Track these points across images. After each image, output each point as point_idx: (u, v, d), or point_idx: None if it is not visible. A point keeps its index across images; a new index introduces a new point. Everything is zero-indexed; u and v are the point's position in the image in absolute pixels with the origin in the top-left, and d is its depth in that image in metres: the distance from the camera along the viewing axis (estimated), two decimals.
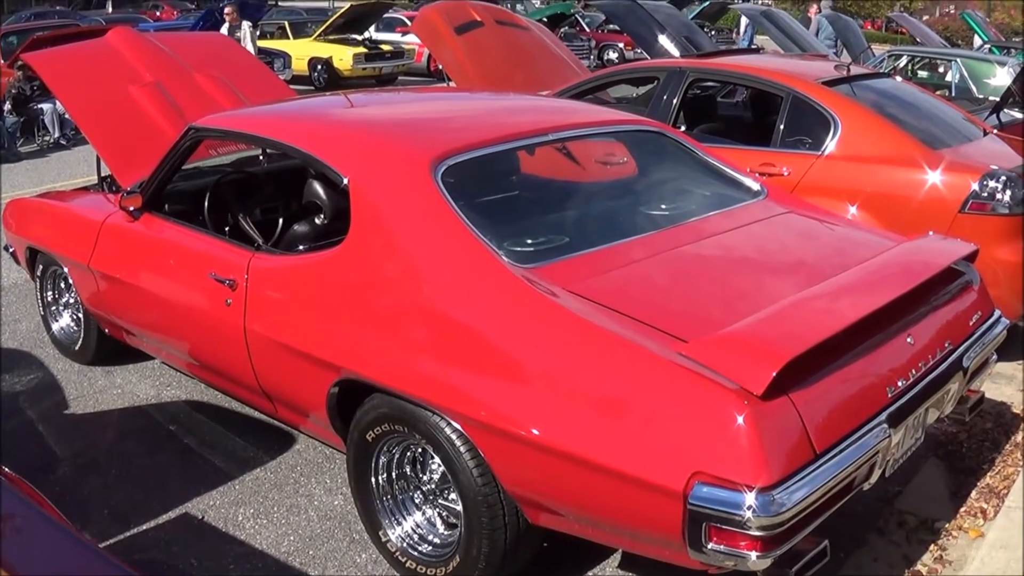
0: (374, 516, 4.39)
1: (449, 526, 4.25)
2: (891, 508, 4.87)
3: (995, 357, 4.62)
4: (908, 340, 3.87)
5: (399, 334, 3.99)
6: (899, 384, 3.73)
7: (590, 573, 4.42)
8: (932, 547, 4.55)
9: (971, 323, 4.33)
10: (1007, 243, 6.21)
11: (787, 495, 3.18)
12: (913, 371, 3.82)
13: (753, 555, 3.23)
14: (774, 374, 3.18)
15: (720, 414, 3.23)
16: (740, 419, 3.18)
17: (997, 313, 4.58)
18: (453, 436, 3.82)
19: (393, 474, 4.33)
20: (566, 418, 3.49)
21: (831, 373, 3.52)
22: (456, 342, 3.80)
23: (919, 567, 4.40)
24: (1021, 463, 5.12)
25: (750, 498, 3.13)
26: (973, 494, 4.94)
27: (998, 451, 5.34)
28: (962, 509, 4.83)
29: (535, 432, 3.53)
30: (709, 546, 3.26)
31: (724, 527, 3.19)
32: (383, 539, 4.36)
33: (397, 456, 4.29)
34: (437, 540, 4.26)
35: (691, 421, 3.29)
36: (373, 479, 4.34)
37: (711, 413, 3.26)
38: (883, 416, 3.62)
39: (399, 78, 27.17)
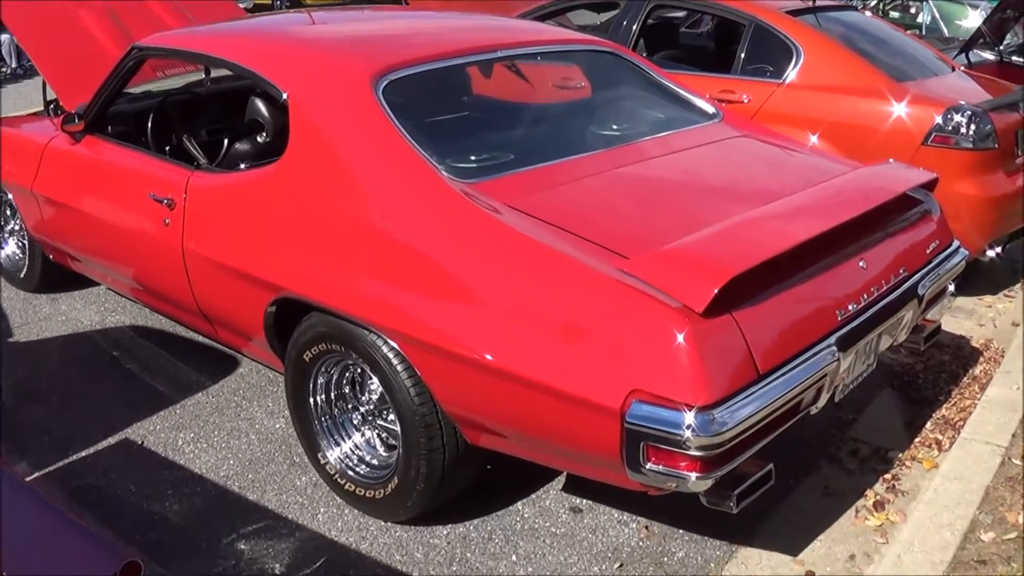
0: (312, 438, 4.23)
1: (388, 447, 4.09)
2: (844, 436, 4.73)
3: (952, 288, 4.46)
4: (861, 264, 3.70)
5: (335, 251, 3.79)
6: (850, 308, 3.56)
7: (532, 497, 4.28)
8: (885, 476, 4.41)
9: (928, 252, 4.16)
10: (969, 177, 6.04)
11: (728, 415, 3.02)
12: (865, 296, 3.65)
13: (693, 476, 3.07)
14: (715, 291, 3.01)
15: (660, 331, 3.05)
16: (680, 337, 3.00)
17: (956, 244, 4.41)
18: (390, 355, 3.64)
19: (332, 395, 4.16)
20: (503, 335, 3.32)
21: (778, 294, 3.34)
22: (393, 259, 3.60)
23: (870, 495, 4.25)
24: (978, 395, 4.97)
25: (689, 417, 2.96)
26: (928, 425, 4.80)
27: (955, 383, 5.19)
28: (916, 440, 4.69)
29: (471, 349, 3.36)
30: (648, 466, 3.10)
31: (663, 447, 3.03)
32: (322, 461, 4.20)
33: (336, 377, 4.12)
34: (376, 462, 4.10)
35: (630, 339, 3.12)
36: (311, 400, 4.18)
37: (650, 330, 3.08)
38: (832, 339, 3.45)
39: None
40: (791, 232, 3.42)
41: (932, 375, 5.30)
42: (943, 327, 5.64)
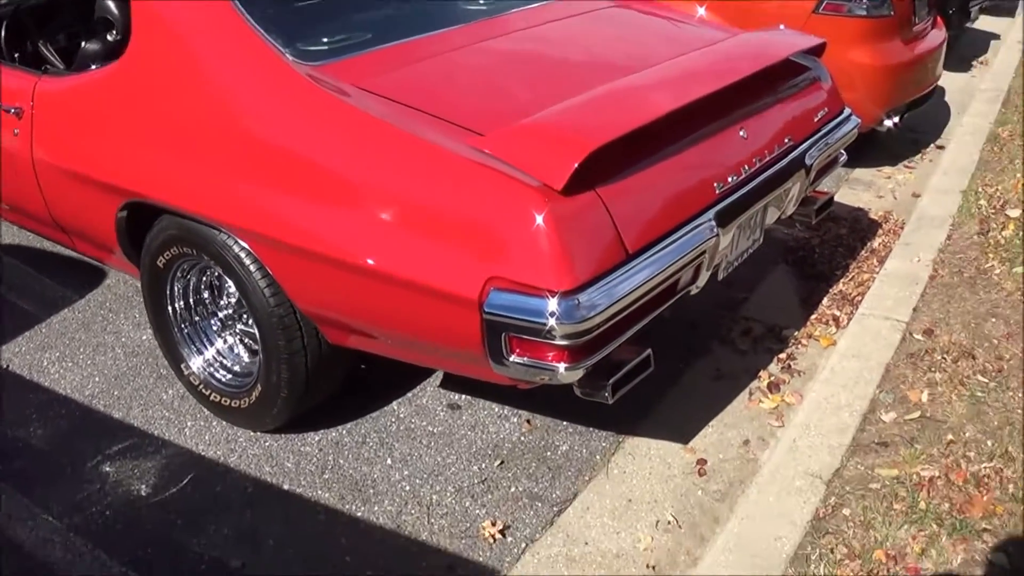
0: (175, 348, 3.96)
1: (252, 353, 3.84)
2: (736, 315, 4.55)
3: (844, 157, 4.24)
4: (741, 134, 3.46)
5: (179, 148, 3.46)
6: (730, 180, 3.32)
7: (408, 396, 4.07)
8: (779, 356, 4.24)
9: (816, 120, 3.93)
10: (863, 46, 5.84)
11: (594, 299, 2.77)
12: (746, 167, 3.42)
13: (561, 367, 2.84)
14: (575, 166, 2.75)
15: (516, 213, 2.79)
16: (539, 218, 2.74)
17: (847, 111, 4.18)
18: (241, 255, 3.37)
19: (190, 301, 3.88)
20: (351, 226, 3.04)
21: (648, 168, 3.10)
22: (238, 152, 3.28)
23: (764, 377, 4.07)
24: (877, 269, 4.79)
25: (551, 303, 2.72)
26: (825, 301, 4.62)
27: (853, 257, 5.01)
28: (813, 316, 4.51)
29: (319, 243, 3.08)
30: (512, 359, 2.87)
31: (526, 337, 2.79)
32: (185, 372, 3.94)
33: (193, 282, 3.84)
34: (239, 368, 3.85)
35: (485, 222, 2.85)
36: (170, 307, 3.90)
37: (507, 212, 2.82)
38: (710, 214, 3.22)
39: None
40: (661, 101, 3.16)
41: (828, 249, 5.13)
42: (840, 200, 5.48)
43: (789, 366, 4.13)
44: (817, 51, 4.09)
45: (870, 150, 6.33)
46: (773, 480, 3.36)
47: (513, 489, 3.53)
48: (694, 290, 3.31)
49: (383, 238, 2.97)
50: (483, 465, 3.65)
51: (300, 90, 3.24)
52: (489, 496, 3.50)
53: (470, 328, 2.88)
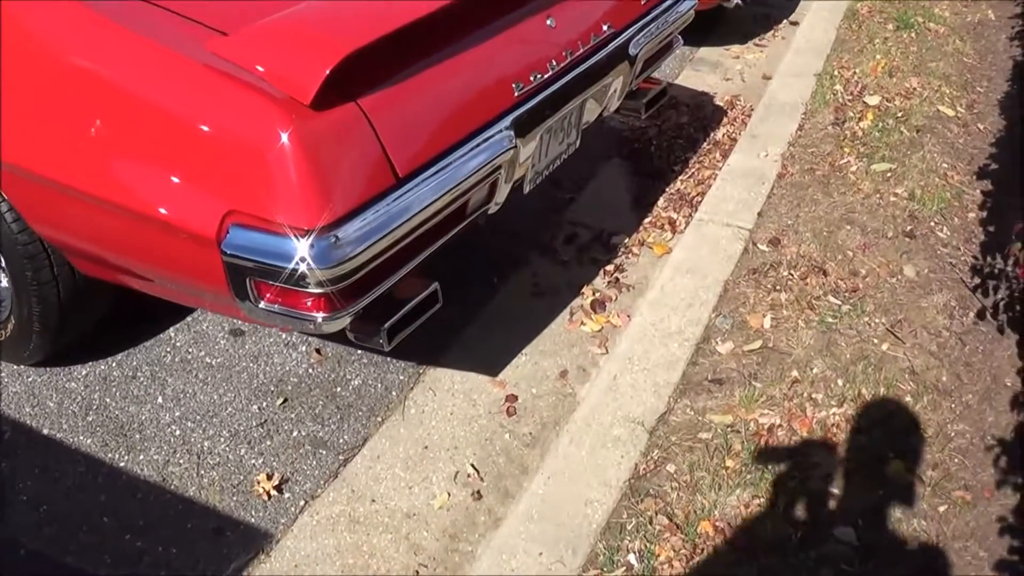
0: None
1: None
2: (560, 219, 4.07)
3: (680, 41, 3.73)
4: (548, 23, 2.93)
5: None
6: (532, 79, 2.80)
7: (187, 321, 3.53)
8: (606, 268, 3.77)
9: (644, 2, 3.39)
10: None
11: (354, 236, 2.27)
12: (554, 62, 2.90)
13: (319, 317, 2.36)
14: (326, 73, 2.19)
15: (256, 133, 2.25)
16: (283, 137, 2.20)
17: None
18: None
19: None
20: (76, 144, 2.49)
21: (425, 72, 2.55)
22: None
23: (588, 293, 3.61)
24: (720, 164, 4.33)
25: (301, 245, 2.21)
26: (661, 201, 4.16)
27: (693, 150, 4.53)
28: (647, 220, 4.05)
29: (45, 166, 2.56)
30: (262, 306, 2.38)
31: (274, 283, 2.29)
32: None
33: None
34: None
35: (222, 144, 2.30)
36: None
37: (245, 132, 2.27)
38: (506, 121, 2.70)
39: None
40: None
41: (667, 141, 4.63)
42: (682, 83, 4.99)
43: (617, 280, 3.68)
44: None
45: (716, 27, 5.82)
46: (587, 427, 2.93)
47: (296, 433, 3.06)
48: (493, 208, 2.82)
49: (110, 161, 2.43)
50: (264, 404, 3.16)
51: None
52: (268, 442, 3.02)
53: (213, 269, 2.38)
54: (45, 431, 3.07)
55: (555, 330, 3.46)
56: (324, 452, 2.99)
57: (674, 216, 4.00)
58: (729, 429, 2.91)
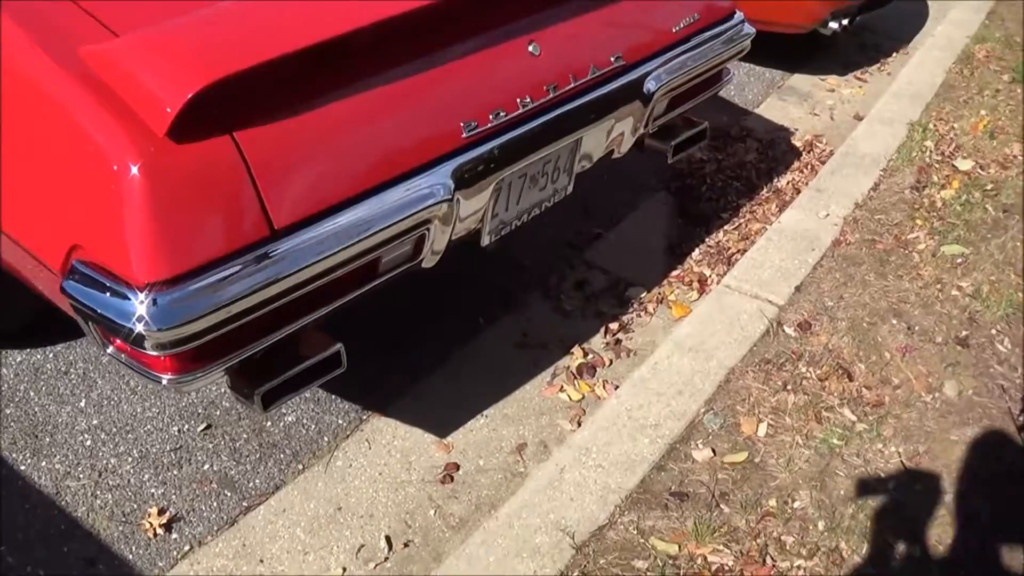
0: None
1: None
2: (576, 258, 3.61)
3: (731, 75, 3.24)
4: (530, 50, 2.47)
5: None
6: (491, 119, 2.35)
7: None
8: (610, 325, 3.31)
9: (675, 29, 2.90)
10: None
11: (205, 294, 1.90)
12: (528, 99, 2.44)
13: (165, 377, 2.01)
14: (187, 99, 1.80)
15: (104, 161, 1.88)
16: (130, 171, 1.83)
17: (737, 17, 3.13)
18: None
19: None
20: None
21: (335, 103, 2.13)
22: None
23: (578, 354, 3.18)
24: (773, 218, 3.79)
25: (135, 302, 1.85)
26: (696, 253, 3.66)
27: (749, 197, 4.00)
28: (674, 273, 3.57)
29: None
30: (110, 351, 2.05)
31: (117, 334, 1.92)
32: None
33: None
34: None
35: (74, 169, 1.96)
36: None
37: (94, 159, 1.91)
38: (443, 169, 2.26)
39: None
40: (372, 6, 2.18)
41: (723, 180, 4.10)
42: (763, 113, 4.45)
43: (618, 341, 3.23)
44: None
45: (815, 53, 5.21)
46: (508, 528, 2.52)
47: (207, 467, 2.74)
48: (428, 262, 2.40)
49: None
50: (185, 427, 2.85)
51: None
52: (175, 471, 2.72)
53: (63, 302, 2.05)
54: None
55: (529, 392, 3.04)
56: (229, 494, 2.66)
57: (706, 273, 3.51)
58: (670, 562, 2.46)
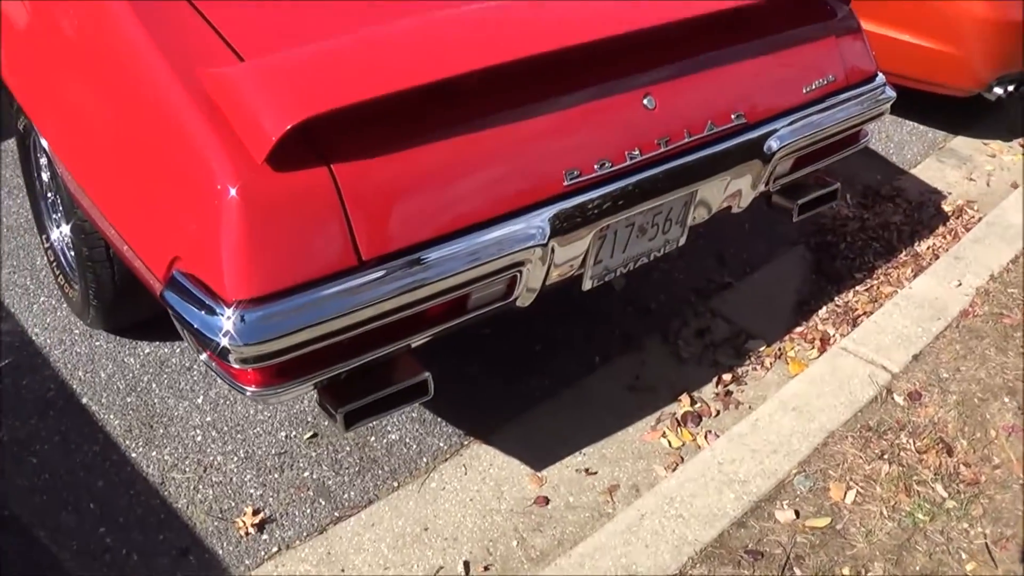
0: (39, 217, 3.44)
1: None
2: (702, 305, 3.60)
3: (869, 137, 3.18)
4: (644, 103, 2.49)
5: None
6: (596, 168, 2.38)
7: None
8: (723, 376, 3.30)
9: (807, 90, 2.87)
10: None
11: (291, 315, 2.00)
12: (637, 151, 2.46)
13: (249, 390, 2.13)
14: (284, 131, 1.91)
15: (206, 182, 2.00)
16: (229, 194, 1.95)
17: (878, 80, 3.08)
18: (45, 145, 2.69)
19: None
20: (77, 136, 2.45)
21: (438, 142, 2.20)
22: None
23: (685, 401, 3.18)
24: (907, 282, 3.69)
25: (224, 317, 1.97)
26: (823, 311, 3.60)
27: (887, 259, 3.89)
28: (798, 329, 3.52)
29: (64, 154, 2.53)
30: (203, 357, 2.18)
31: (206, 345, 2.05)
32: (45, 244, 3.43)
33: None
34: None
35: (182, 183, 2.09)
36: (36, 177, 3.35)
37: (199, 179, 2.04)
38: (540, 215, 2.30)
39: None
40: (484, 49, 2.24)
41: (863, 240, 4.00)
42: (919, 174, 4.33)
43: (728, 392, 3.21)
44: None
45: (983, 116, 5.01)
46: (580, 566, 2.55)
47: (307, 474, 2.87)
48: (523, 302, 2.45)
49: (97, 164, 2.35)
50: (292, 434, 2.98)
51: None
52: (276, 475, 2.86)
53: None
54: (84, 400, 3.04)
55: (631, 434, 3.05)
56: (323, 503, 2.78)
57: (830, 332, 3.45)
58: None
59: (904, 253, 3.88)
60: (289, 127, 1.91)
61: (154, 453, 2.89)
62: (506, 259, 2.24)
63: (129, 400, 3.04)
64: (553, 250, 2.34)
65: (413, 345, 2.33)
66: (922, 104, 4.78)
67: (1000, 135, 4.91)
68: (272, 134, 1.92)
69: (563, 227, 2.32)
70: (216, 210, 1.96)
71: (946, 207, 4.22)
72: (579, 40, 2.30)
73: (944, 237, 3.99)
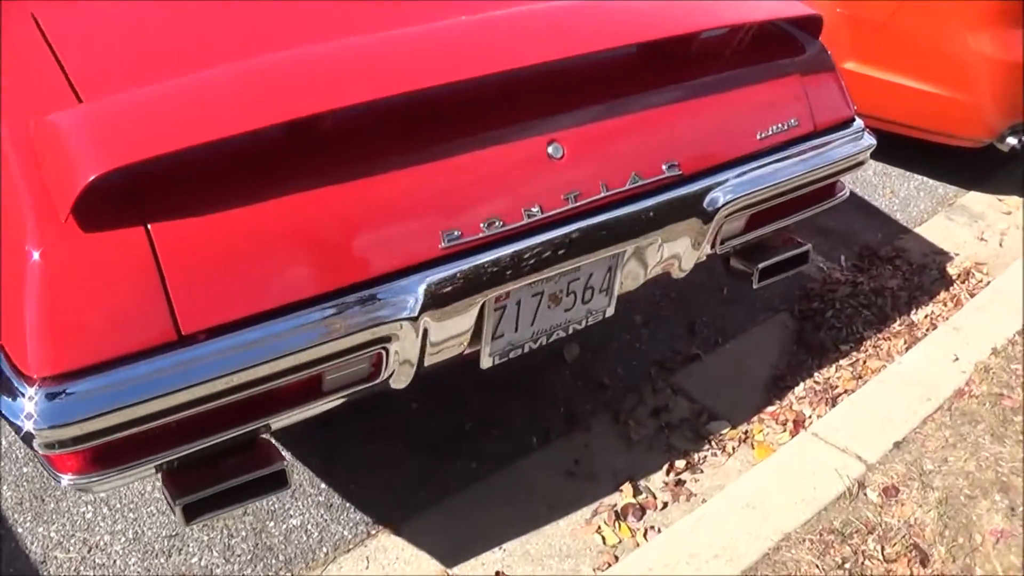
0: None
1: None
2: (664, 380, 3.26)
3: (845, 192, 2.85)
4: (549, 152, 2.19)
5: None
6: (482, 228, 2.10)
7: None
8: (676, 463, 2.97)
9: (760, 135, 2.54)
10: (991, 31, 4.05)
11: (95, 397, 1.75)
12: (537, 208, 2.16)
13: (65, 478, 1.87)
14: (85, 184, 1.66)
15: (20, 241, 1.78)
16: (35, 254, 1.72)
17: (855, 126, 2.75)
18: None
19: None
20: None
21: (285, 196, 1.93)
22: None
23: (627, 491, 2.85)
24: (897, 357, 3.35)
25: (27, 398, 1.73)
26: (799, 388, 3.25)
27: (878, 329, 3.53)
28: (769, 409, 3.17)
29: None
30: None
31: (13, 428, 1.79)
32: None
33: None
34: None
35: (7, 243, 1.84)
36: None
37: (13, 237, 1.81)
38: (409, 282, 2.01)
39: None
40: (339, 88, 1.97)
41: (853, 307, 3.63)
42: (924, 233, 3.98)
43: (680, 482, 2.88)
44: (808, 26, 2.68)
45: (997, 169, 4.64)
46: None
47: (196, 559, 2.67)
48: (397, 385, 2.16)
49: None
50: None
51: None
52: (162, 559, 2.69)
53: None
54: None
55: (561, 528, 2.74)
56: None
57: (806, 412, 3.12)
58: None
59: (898, 323, 3.52)
60: (91, 178, 1.65)
61: (40, 529, 2.68)
62: (362, 335, 1.95)
63: (25, 471, 2.82)
64: (427, 325, 2.05)
65: (274, 427, 2.05)
66: (932, 157, 4.41)
67: (1016, 190, 4.50)
68: (74, 187, 1.67)
69: (439, 298, 2.03)
70: (21, 273, 1.72)
71: (951, 270, 3.83)
72: (466, 75, 2.02)
73: (945, 304, 3.61)
